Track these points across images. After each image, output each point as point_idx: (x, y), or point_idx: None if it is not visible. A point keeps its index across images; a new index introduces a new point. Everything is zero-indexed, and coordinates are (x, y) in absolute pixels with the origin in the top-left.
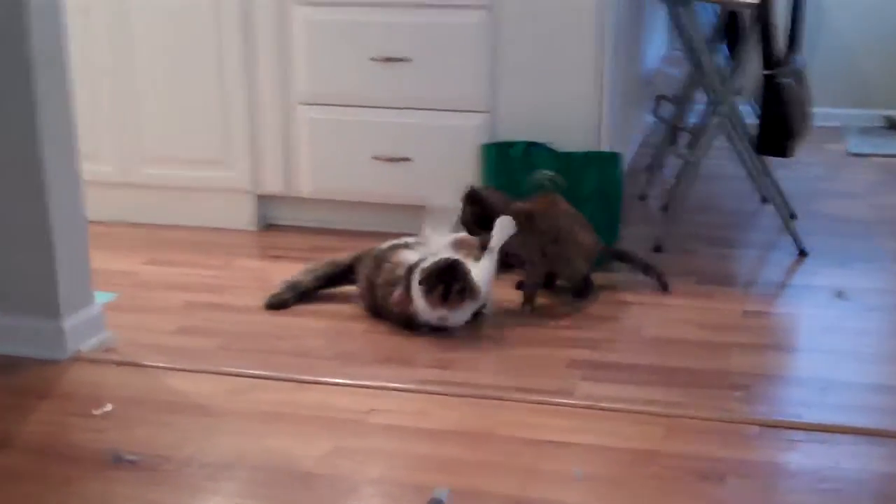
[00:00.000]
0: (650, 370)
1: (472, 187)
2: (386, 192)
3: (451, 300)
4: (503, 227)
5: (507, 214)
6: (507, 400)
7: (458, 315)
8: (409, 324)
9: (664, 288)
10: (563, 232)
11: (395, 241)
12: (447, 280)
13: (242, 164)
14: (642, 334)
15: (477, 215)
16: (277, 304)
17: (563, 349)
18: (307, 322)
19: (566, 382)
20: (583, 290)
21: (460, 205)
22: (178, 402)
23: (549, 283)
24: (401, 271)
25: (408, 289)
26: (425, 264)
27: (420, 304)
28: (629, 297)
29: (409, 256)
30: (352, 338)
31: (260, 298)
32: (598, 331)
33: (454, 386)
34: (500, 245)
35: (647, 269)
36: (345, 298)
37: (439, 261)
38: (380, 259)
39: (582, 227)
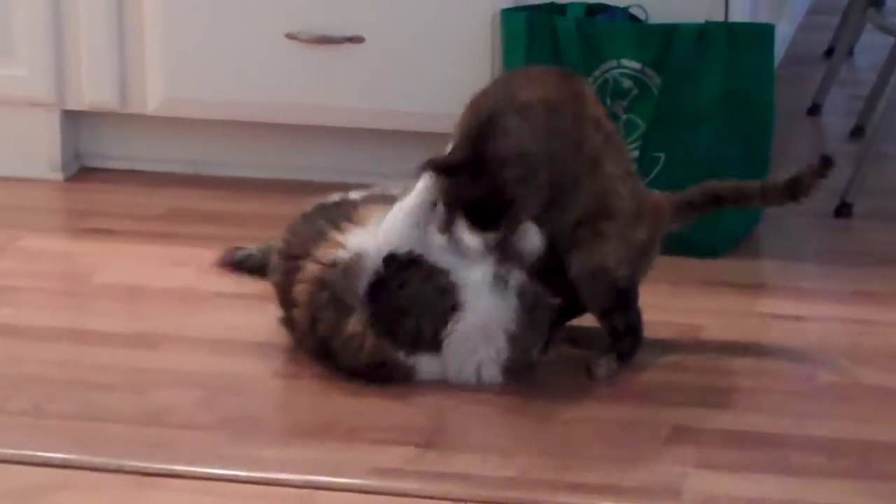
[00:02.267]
0: (829, 448)
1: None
2: (313, 102)
3: None
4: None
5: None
6: None
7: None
8: (374, 374)
9: (826, 167)
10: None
11: (333, 198)
12: None
13: (37, 55)
14: (811, 378)
15: (461, 197)
16: (243, 262)
17: (655, 408)
18: (170, 356)
19: (665, 472)
20: (615, 324)
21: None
22: None
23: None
24: (339, 277)
25: (373, 323)
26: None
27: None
28: (775, 304)
29: (352, 245)
30: (254, 388)
31: (68, 309)
32: (723, 373)
33: (446, 481)
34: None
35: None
36: (248, 310)
37: None
38: (296, 244)
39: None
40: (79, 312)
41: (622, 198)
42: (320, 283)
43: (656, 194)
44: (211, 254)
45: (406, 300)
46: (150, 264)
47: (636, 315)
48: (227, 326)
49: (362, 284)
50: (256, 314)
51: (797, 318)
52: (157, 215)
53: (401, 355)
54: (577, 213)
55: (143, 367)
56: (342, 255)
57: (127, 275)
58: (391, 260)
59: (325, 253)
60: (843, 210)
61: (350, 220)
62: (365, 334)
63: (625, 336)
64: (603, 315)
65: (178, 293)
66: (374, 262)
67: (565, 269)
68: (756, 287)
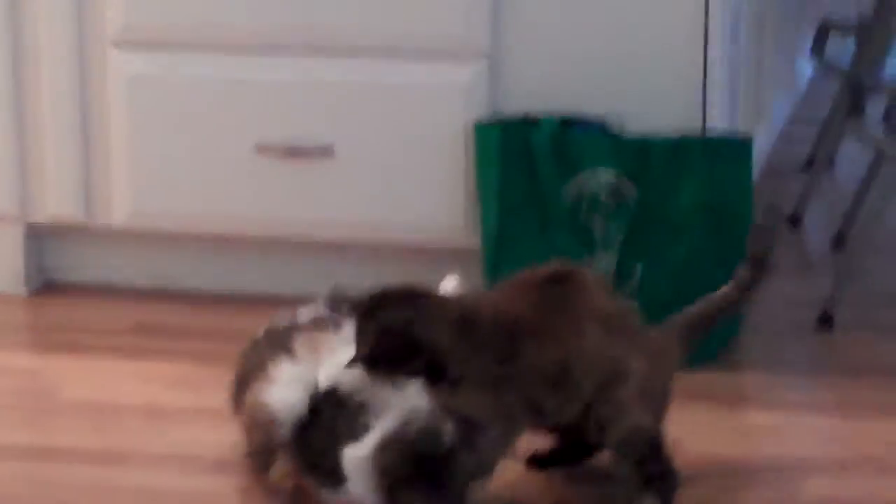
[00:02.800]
0: None
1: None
2: (283, 217)
3: None
4: None
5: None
6: None
7: None
8: None
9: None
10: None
11: (280, 323)
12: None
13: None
14: (792, 494)
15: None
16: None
17: None
18: (137, 475)
19: None
20: (651, 471)
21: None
22: None
23: (573, 454)
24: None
25: (297, 465)
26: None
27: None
28: (755, 417)
29: (285, 384)
30: None
31: (33, 427)
32: (701, 487)
33: None
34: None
35: None
36: (213, 426)
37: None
38: (248, 372)
39: (631, 339)
40: (44, 430)
41: (634, 359)
42: (251, 424)
43: (658, 337)
44: (178, 369)
45: (328, 438)
46: (117, 380)
47: (668, 456)
48: (194, 443)
49: (285, 428)
50: (223, 430)
51: (778, 431)
52: (124, 330)
53: (324, 492)
54: (587, 397)
55: (109, 485)
56: (269, 397)
57: (93, 391)
58: (317, 400)
59: (258, 389)
60: (826, 320)
61: (288, 350)
62: (288, 478)
63: (661, 479)
64: (638, 465)
65: (145, 409)
66: (299, 404)
67: (598, 441)
68: (736, 399)
